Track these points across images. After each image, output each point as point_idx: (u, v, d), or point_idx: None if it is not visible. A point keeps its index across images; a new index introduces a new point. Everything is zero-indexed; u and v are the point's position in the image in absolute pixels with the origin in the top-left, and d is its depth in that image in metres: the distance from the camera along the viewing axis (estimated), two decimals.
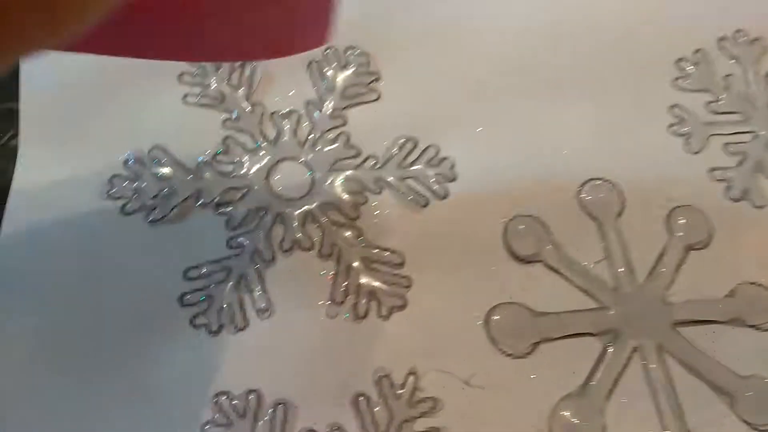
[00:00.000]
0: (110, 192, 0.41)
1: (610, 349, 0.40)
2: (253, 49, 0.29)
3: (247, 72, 0.45)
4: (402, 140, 0.44)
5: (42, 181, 0.40)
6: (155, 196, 0.41)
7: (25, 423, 0.35)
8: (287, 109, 0.44)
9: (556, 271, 0.42)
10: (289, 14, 0.25)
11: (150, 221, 0.40)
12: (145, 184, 0.41)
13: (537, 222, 0.43)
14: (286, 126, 0.44)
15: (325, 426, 0.36)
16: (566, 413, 0.38)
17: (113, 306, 0.38)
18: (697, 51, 0.50)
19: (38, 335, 0.37)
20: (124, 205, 0.40)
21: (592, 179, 0.45)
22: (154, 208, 0.40)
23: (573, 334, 0.41)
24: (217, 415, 0.36)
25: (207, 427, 0.35)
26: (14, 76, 0.42)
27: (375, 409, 0.37)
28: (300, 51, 0.30)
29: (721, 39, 0.50)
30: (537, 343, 0.40)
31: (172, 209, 0.41)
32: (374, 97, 0.45)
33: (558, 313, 0.41)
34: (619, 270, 0.43)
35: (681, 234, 0.44)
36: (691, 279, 0.43)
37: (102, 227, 0.40)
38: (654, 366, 0.40)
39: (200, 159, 0.42)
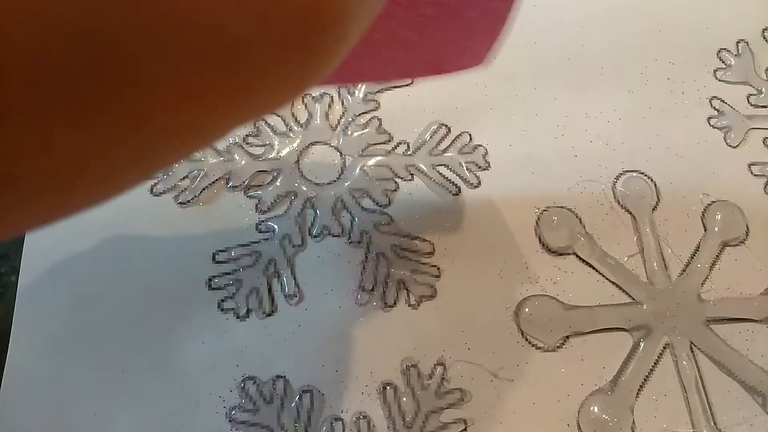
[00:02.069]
0: None
1: (642, 345, 0.41)
2: (416, 69, 0.29)
3: None
4: (434, 126, 0.45)
5: None
6: (184, 177, 0.41)
7: (55, 399, 0.36)
8: (319, 93, 0.45)
9: (588, 264, 0.43)
10: (466, 35, 0.25)
11: (179, 202, 0.41)
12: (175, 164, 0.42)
13: (570, 214, 0.44)
14: (318, 109, 0.45)
15: (352, 415, 0.37)
16: (595, 408, 0.39)
17: (141, 287, 0.39)
18: (740, 42, 0.50)
19: (68, 314, 0.38)
20: (152, 186, 0.41)
21: (627, 171, 0.46)
22: (184, 190, 0.41)
23: (604, 329, 0.41)
24: (244, 400, 0.37)
25: (233, 412, 0.36)
26: None
27: (402, 399, 0.37)
28: (459, 69, 0.29)
29: (766, 30, 0.50)
30: (567, 337, 0.41)
31: (202, 191, 0.41)
32: (407, 81, 0.46)
33: (590, 306, 0.42)
34: (653, 265, 0.43)
35: (717, 229, 0.45)
36: (726, 276, 0.43)
37: (130, 207, 0.41)
38: (685, 363, 0.40)
39: (231, 140, 0.43)
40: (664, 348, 0.41)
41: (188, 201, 0.41)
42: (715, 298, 0.42)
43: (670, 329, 0.41)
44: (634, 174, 0.46)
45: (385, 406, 0.37)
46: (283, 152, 0.43)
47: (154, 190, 0.41)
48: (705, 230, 0.44)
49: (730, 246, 0.44)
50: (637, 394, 0.39)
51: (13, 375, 0.36)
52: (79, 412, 0.35)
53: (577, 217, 0.44)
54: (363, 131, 0.44)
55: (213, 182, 0.42)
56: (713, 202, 0.45)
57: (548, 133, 0.46)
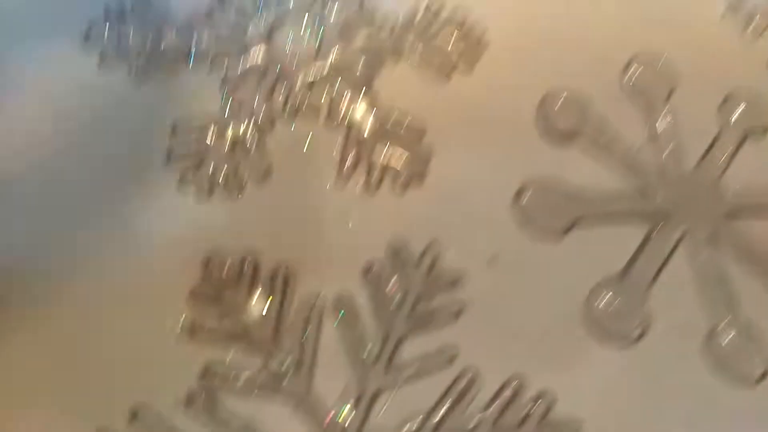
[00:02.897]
0: (89, 41, 0.38)
1: (655, 235, 0.37)
2: None
3: None
4: (426, 2, 0.42)
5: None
6: (140, 51, 0.38)
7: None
8: None
9: (596, 150, 0.40)
10: None
11: (134, 75, 0.37)
12: (130, 36, 0.38)
13: (576, 97, 0.41)
14: None
15: (331, 297, 0.34)
16: (605, 297, 0.35)
17: (96, 161, 0.35)
18: None
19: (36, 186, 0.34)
20: (103, 57, 0.38)
21: (641, 54, 0.43)
22: (139, 62, 0.38)
23: (613, 216, 0.38)
24: (208, 279, 0.33)
25: (196, 292, 0.33)
26: None
27: (389, 281, 0.34)
28: None
29: None
30: (573, 224, 0.37)
31: (161, 64, 0.38)
32: None
33: (597, 193, 0.38)
34: (667, 154, 0.40)
35: (737, 119, 0.41)
36: (747, 166, 0.40)
37: (77, 82, 0.37)
38: (703, 254, 0.37)
39: (194, 13, 0.39)
40: (680, 238, 0.38)
41: (145, 73, 0.37)
42: (736, 189, 0.39)
43: (686, 219, 0.38)
44: (648, 59, 0.42)
45: (368, 287, 0.34)
46: (254, 28, 0.40)
47: (105, 62, 0.37)
48: (724, 119, 0.41)
49: (752, 136, 0.41)
50: (652, 283, 0.36)
51: None
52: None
53: (584, 100, 0.41)
54: (343, 6, 0.41)
55: (173, 56, 0.38)
56: (734, 89, 0.42)
57: (553, 8, 0.42)
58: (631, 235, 0.37)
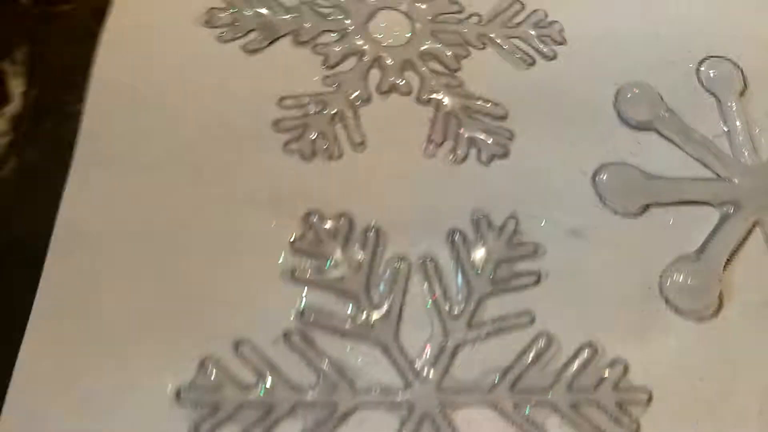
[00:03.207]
0: (207, 21, 0.42)
1: (730, 220, 0.39)
2: None
3: None
4: (508, 1, 0.44)
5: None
6: (251, 30, 0.41)
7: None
8: None
9: (670, 140, 0.41)
10: None
11: (247, 51, 0.41)
12: (244, 17, 0.42)
13: (651, 89, 0.43)
14: None
15: (418, 257, 0.36)
16: (680, 274, 0.37)
17: (207, 124, 0.38)
18: None
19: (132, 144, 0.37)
20: (221, 34, 0.41)
21: (712, 57, 0.44)
22: (252, 40, 0.41)
23: (688, 202, 0.39)
24: (308, 232, 0.35)
25: (296, 242, 0.35)
26: None
27: (471, 247, 0.36)
28: None
29: None
30: (648, 206, 0.39)
31: (270, 43, 0.41)
32: None
33: (674, 178, 0.40)
34: (742, 145, 0.41)
35: None
36: None
37: (198, 53, 0.40)
38: None
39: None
40: (754, 225, 0.39)
41: (255, 50, 0.41)
42: None
43: (761, 207, 0.39)
44: (720, 59, 0.44)
45: (453, 251, 0.36)
46: (354, 13, 0.43)
47: (221, 38, 0.41)
48: None
49: None
50: (726, 265, 0.37)
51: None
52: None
53: (659, 93, 0.42)
54: (433, 0, 0.43)
55: (281, 36, 0.41)
56: None
57: (629, 11, 0.45)
58: (705, 219, 0.38)
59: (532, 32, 0.43)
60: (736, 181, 0.39)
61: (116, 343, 0.32)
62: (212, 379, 0.31)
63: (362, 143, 0.38)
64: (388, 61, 0.41)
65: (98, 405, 0.30)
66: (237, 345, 0.32)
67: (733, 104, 0.42)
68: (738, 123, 0.42)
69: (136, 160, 0.36)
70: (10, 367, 0.30)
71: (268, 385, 0.31)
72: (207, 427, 0.30)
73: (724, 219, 0.38)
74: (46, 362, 0.31)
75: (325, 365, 0.32)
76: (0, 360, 0.31)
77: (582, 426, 0.32)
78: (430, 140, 0.39)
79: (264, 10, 0.42)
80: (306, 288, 0.34)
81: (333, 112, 0.39)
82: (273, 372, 0.32)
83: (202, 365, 0.32)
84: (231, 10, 0.41)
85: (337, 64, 0.41)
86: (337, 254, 0.35)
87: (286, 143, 0.38)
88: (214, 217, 0.35)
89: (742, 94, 0.43)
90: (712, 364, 0.34)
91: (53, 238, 0.34)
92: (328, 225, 0.36)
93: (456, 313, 0.34)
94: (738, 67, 0.44)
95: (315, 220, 0.36)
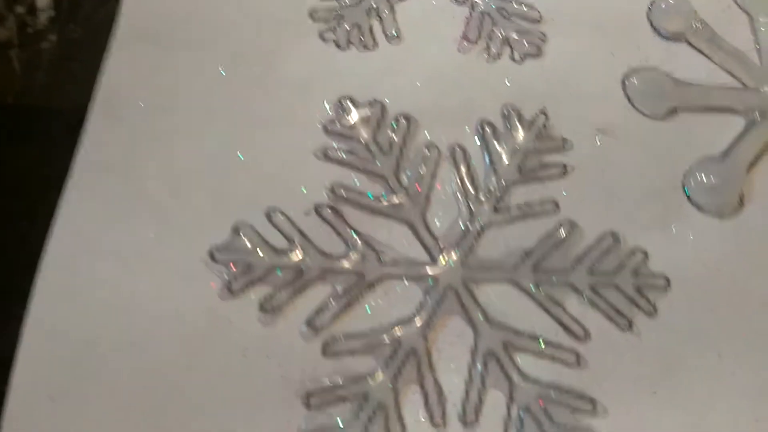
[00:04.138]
0: None
1: (755, 127, 0.38)
2: None
3: None
4: None
5: None
6: None
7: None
8: None
9: (700, 51, 0.41)
10: None
11: None
12: None
13: (686, 2, 0.42)
14: None
15: (448, 145, 0.36)
16: (704, 173, 0.37)
17: (248, 7, 0.38)
18: None
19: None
20: None
21: None
22: None
23: (715, 108, 0.39)
24: (341, 115, 0.36)
25: (329, 125, 0.36)
26: None
27: (501, 138, 0.36)
28: None
29: None
30: (676, 110, 0.39)
31: None
32: None
33: (703, 85, 0.40)
34: None
35: None
36: None
37: None
38: None
39: None
40: None
41: None
42: None
43: None
44: None
45: (482, 141, 0.36)
46: None
47: None
48: None
49: None
50: (749, 169, 0.37)
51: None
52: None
53: (692, 7, 0.42)
54: None
55: None
56: None
57: None
58: (731, 126, 0.38)
59: None
60: (765, 89, 0.39)
61: (153, 203, 0.32)
62: (245, 242, 0.32)
63: (397, 36, 0.38)
64: None
65: (135, 256, 0.31)
66: (269, 214, 0.33)
67: (765, 22, 0.41)
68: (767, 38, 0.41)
69: (176, 38, 0.37)
70: (51, 217, 0.31)
71: (298, 252, 0.32)
72: (239, 286, 0.31)
73: (750, 125, 0.38)
74: (85, 216, 0.32)
75: (354, 238, 0.33)
76: (43, 213, 0.31)
77: (600, 306, 0.32)
78: (464, 37, 0.39)
79: None
80: (337, 168, 0.34)
81: (368, 5, 0.39)
82: (304, 240, 0.32)
83: (236, 229, 0.32)
84: None
85: None
86: (369, 138, 0.35)
87: (322, 32, 0.38)
88: (251, 96, 0.36)
89: None
90: (730, 258, 0.34)
91: (94, 104, 0.34)
92: (361, 110, 0.36)
93: (482, 198, 0.34)
94: None
95: (347, 104, 0.36)
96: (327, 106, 0.36)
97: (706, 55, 0.40)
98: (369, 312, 0.31)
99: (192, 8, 0.37)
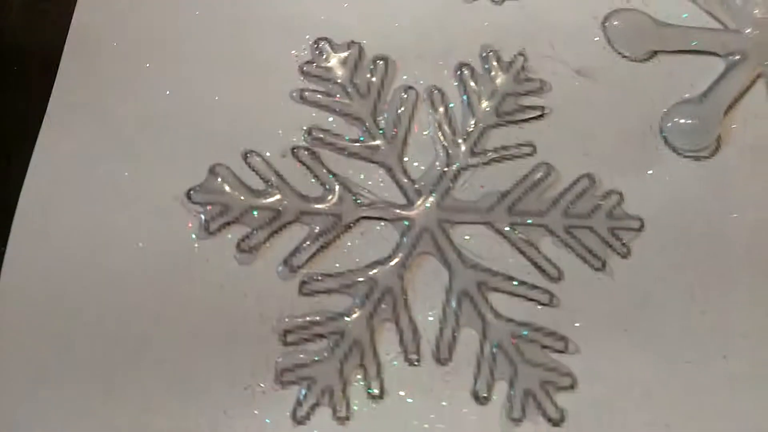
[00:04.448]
0: None
1: (734, 69, 0.38)
2: None
3: None
4: None
5: None
6: None
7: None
8: None
9: None
10: None
11: None
12: None
13: None
14: None
15: (426, 87, 0.35)
16: (681, 115, 0.36)
17: None
18: None
19: None
20: None
21: None
22: None
23: (696, 51, 0.39)
24: (318, 58, 0.35)
25: (305, 66, 0.35)
26: None
27: (478, 80, 0.36)
28: None
29: None
30: (656, 52, 0.38)
31: None
32: None
33: (684, 26, 0.39)
34: (753, 1, 0.40)
35: None
36: None
37: None
38: None
39: None
40: (758, 76, 0.38)
41: None
42: None
43: (767, 58, 0.38)
44: None
45: (460, 84, 0.36)
46: None
47: None
48: None
49: None
50: (727, 111, 0.37)
51: None
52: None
53: None
54: None
55: None
56: None
57: None
58: (712, 66, 0.38)
59: None
60: (746, 32, 0.38)
61: (130, 142, 0.32)
62: (222, 183, 0.32)
63: None
64: None
65: (111, 196, 0.31)
66: (246, 155, 0.32)
67: None
68: None
69: None
70: (28, 159, 0.31)
71: (275, 193, 0.32)
72: (215, 226, 0.31)
73: (729, 68, 0.38)
74: (62, 156, 0.31)
75: (331, 180, 0.32)
76: (19, 153, 0.31)
77: (574, 247, 0.32)
78: None
79: None
80: (314, 110, 0.34)
81: None
82: (281, 182, 0.32)
83: (213, 170, 0.32)
84: None
85: None
86: (346, 81, 0.35)
87: None
88: (227, 37, 0.35)
89: None
90: (705, 201, 0.34)
91: (67, 44, 0.33)
92: (338, 52, 0.35)
93: (460, 140, 0.34)
94: None
95: (325, 46, 0.35)
96: (304, 48, 0.35)
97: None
98: (346, 251, 0.31)
99: None
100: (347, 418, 0.29)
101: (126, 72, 0.34)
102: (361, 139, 0.34)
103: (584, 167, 0.35)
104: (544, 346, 0.30)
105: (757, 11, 0.39)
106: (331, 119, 0.34)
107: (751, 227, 0.34)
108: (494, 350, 0.30)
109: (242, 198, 0.32)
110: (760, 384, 0.30)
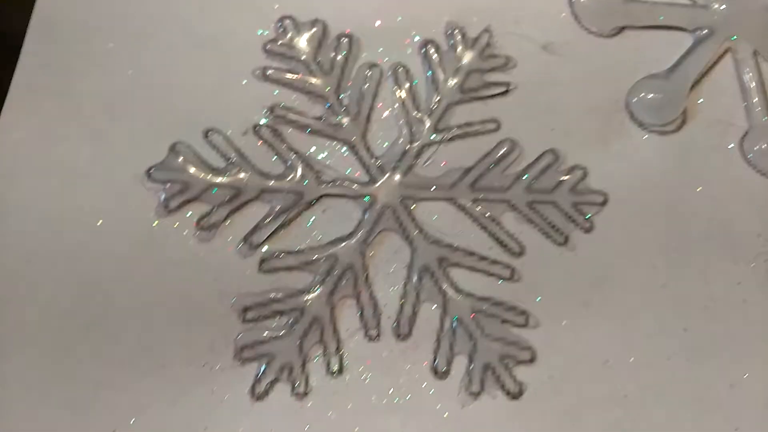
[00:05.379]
0: None
1: (702, 44, 0.37)
2: None
3: None
4: None
5: None
6: None
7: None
8: None
9: None
10: None
11: None
12: None
13: None
14: None
15: (390, 65, 0.35)
16: (647, 90, 0.35)
17: None
18: None
19: None
20: None
21: None
22: None
23: (663, 26, 0.38)
24: (281, 35, 0.34)
25: (268, 45, 0.34)
26: None
27: (443, 56, 0.35)
28: None
29: None
30: (623, 28, 0.37)
31: None
32: None
33: (651, 2, 0.38)
34: None
35: None
36: None
37: None
38: (748, 68, 0.37)
39: None
40: (726, 51, 0.37)
41: None
42: None
43: (735, 33, 0.37)
44: None
45: (425, 61, 0.35)
46: None
47: None
48: None
49: None
50: (693, 86, 0.36)
51: None
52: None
53: None
54: None
55: None
56: None
57: None
58: (679, 42, 0.37)
59: None
60: (714, 6, 0.37)
61: (90, 121, 0.31)
62: (182, 161, 0.31)
63: None
64: None
65: (72, 174, 0.30)
66: (207, 133, 0.32)
67: None
68: None
69: None
70: None
71: (236, 171, 0.31)
72: (176, 203, 0.30)
73: (697, 43, 0.37)
74: (23, 135, 0.31)
75: (292, 157, 0.32)
76: None
77: (537, 222, 0.32)
78: None
79: None
80: (277, 87, 0.33)
81: None
82: (242, 159, 0.31)
83: (173, 148, 0.31)
84: None
85: None
86: (309, 58, 0.34)
87: None
88: (189, 14, 0.34)
89: None
90: (669, 175, 0.34)
91: (30, 24, 0.33)
92: (302, 30, 0.34)
93: (424, 117, 0.33)
94: None
95: (288, 24, 0.34)
96: (268, 26, 0.34)
97: None
98: (307, 229, 0.31)
99: None
100: (305, 394, 0.28)
101: (87, 52, 0.33)
102: (324, 116, 0.33)
103: (549, 143, 0.34)
104: (505, 321, 0.30)
105: None
106: (294, 97, 0.33)
107: (713, 201, 0.33)
108: (454, 325, 0.29)
109: (202, 176, 0.31)
110: (719, 355, 0.30)
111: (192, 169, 0.31)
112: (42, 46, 0.33)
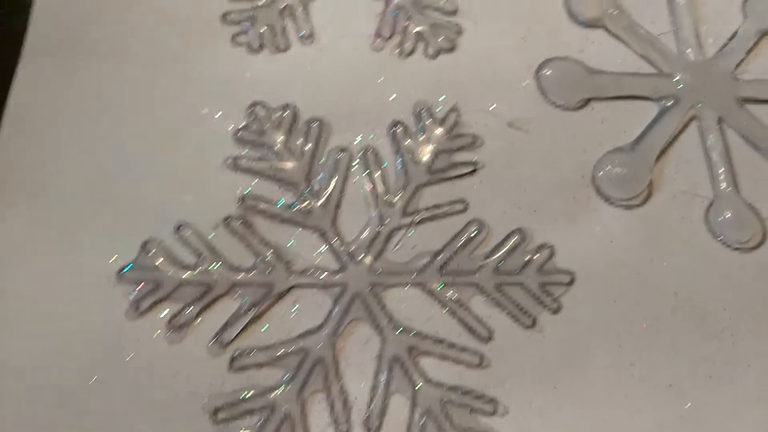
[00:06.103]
0: None
1: (667, 114, 0.37)
2: None
3: None
4: None
5: None
6: None
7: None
8: None
9: (617, 37, 0.39)
10: None
11: None
12: None
13: None
14: None
15: (359, 148, 0.34)
16: (613, 164, 0.35)
17: (157, 11, 0.36)
18: None
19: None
20: None
21: None
22: None
23: (629, 96, 0.37)
24: (252, 122, 0.34)
25: (240, 133, 0.34)
26: None
27: (411, 138, 0.34)
28: None
29: None
30: (589, 100, 0.37)
31: None
32: None
33: (615, 73, 0.38)
34: (687, 42, 0.39)
35: (758, 17, 0.40)
36: (763, 63, 0.39)
37: None
38: (712, 135, 0.37)
39: None
40: (691, 120, 0.37)
41: None
42: (749, 79, 0.38)
43: (699, 101, 0.37)
44: None
45: (393, 143, 0.34)
46: None
47: None
48: (745, 17, 0.40)
49: None
50: (659, 157, 0.36)
51: None
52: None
53: None
54: None
55: None
56: None
57: None
58: (644, 112, 0.37)
59: None
60: (678, 76, 0.37)
61: (61, 222, 0.31)
62: (153, 259, 0.31)
63: (310, 36, 0.36)
64: None
65: (43, 278, 0.30)
66: (178, 228, 0.31)
67: (683, 1, 0.39)
68: (686, 20, 0.39)
69: (85, 48, 0.35)
70: None
71: (207, 266, 0.31)
72: (147, 304, 0.30)
73: (662, 112, 0.37)
74: None
75: (263, 249, 0.31)
76: None
77: (505, 305, 0.31)
78: (378, 34, 0.37)
79: None
80: (248, 176, 0.33)
81: (282, 5, 0.37)
82: (212, 254, 0.31)
83: (144, 246, 0.31)
84: None
85: None
86: (280, 145, 0.33)
87: (235, 35, 0.36)
88: (160, 105, 0.34)
89: None
90: (635, 250, 0.33)
91: (3, 123, 0.32)
92: (273, 116, 0.34)
93: (393, 201, 0.33)
94: None
95: (259, 110, 0.34)
96: (238, 113, 0.34)
97: (623, 41, 0.38)
98: (278, 322, 0.30)
99: (100, 15, 0.35)
100: None
101: (58, 149, 0.33)
102: (294, 204, 0.32)
103: (516, 221, 0.33)
104: (473, 410, 0.29)
105: (690, 51, 0.38)
106: (265, 186, 0.33)
107: (680, 275, 0.33)
108: (424, 417, 0.29)
109: (173, 274, 0.31)
110: None
111: (163, 267, 0.31)
112: (14, 143, 0.33)
